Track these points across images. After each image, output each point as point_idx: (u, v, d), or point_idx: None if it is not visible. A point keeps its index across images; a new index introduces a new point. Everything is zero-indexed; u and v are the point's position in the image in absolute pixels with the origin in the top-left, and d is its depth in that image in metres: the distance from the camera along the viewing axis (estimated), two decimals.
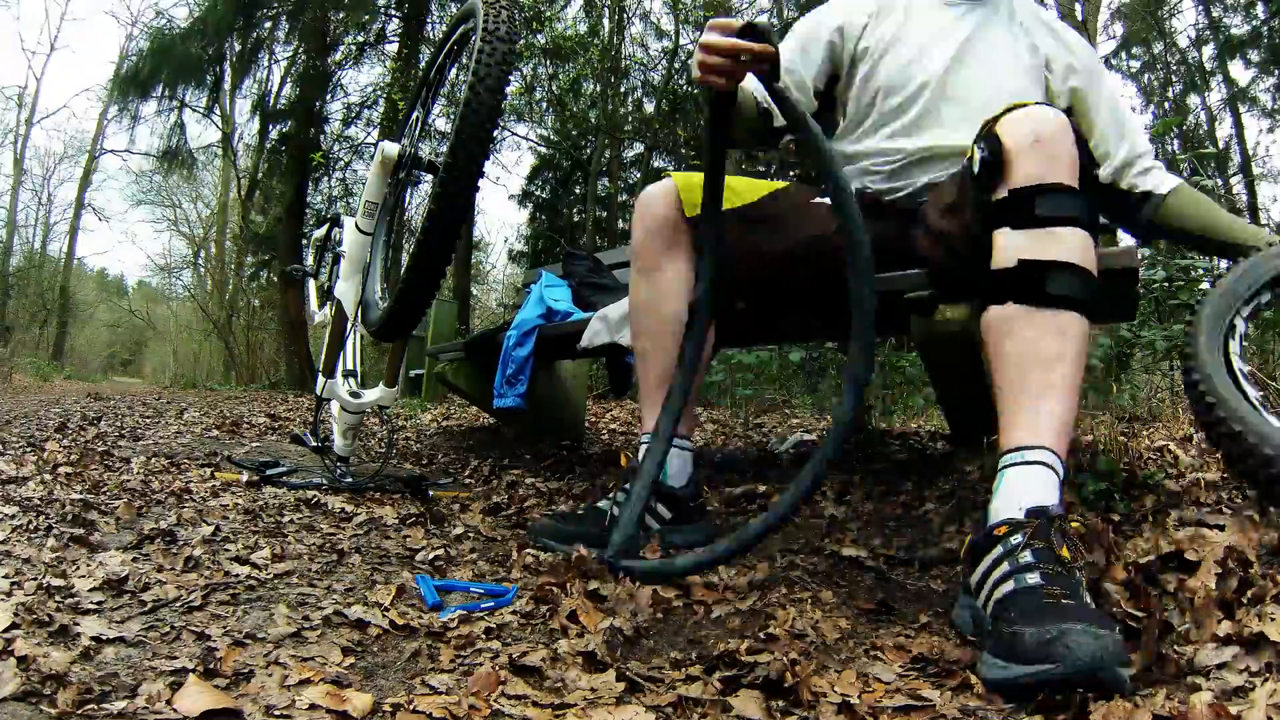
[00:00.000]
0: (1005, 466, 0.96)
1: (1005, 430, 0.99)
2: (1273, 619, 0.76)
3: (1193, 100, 12.61)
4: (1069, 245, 1.00)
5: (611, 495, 1.33)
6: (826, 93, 1.49)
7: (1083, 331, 1.00)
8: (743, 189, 1.42)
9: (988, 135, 1.06)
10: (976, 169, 1.06)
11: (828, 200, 1.49)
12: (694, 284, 1.35)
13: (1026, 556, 0.84)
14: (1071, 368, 0.99)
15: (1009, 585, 0.83)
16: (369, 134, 10.19)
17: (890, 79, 1.39)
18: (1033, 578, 0.82)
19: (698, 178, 1.33)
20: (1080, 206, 1.02)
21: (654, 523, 1.31)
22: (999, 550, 0.87)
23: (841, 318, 1.60)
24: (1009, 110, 1.07)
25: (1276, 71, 12.02)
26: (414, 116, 1.77)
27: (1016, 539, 0.86)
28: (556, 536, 1.26)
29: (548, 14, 8.55)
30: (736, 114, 1.32)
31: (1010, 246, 1.02)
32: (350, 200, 10.08)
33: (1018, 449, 0.96)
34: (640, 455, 1.37)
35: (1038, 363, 0.98)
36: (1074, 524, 0.89)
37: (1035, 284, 1.00)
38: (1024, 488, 0.92)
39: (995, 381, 1.03)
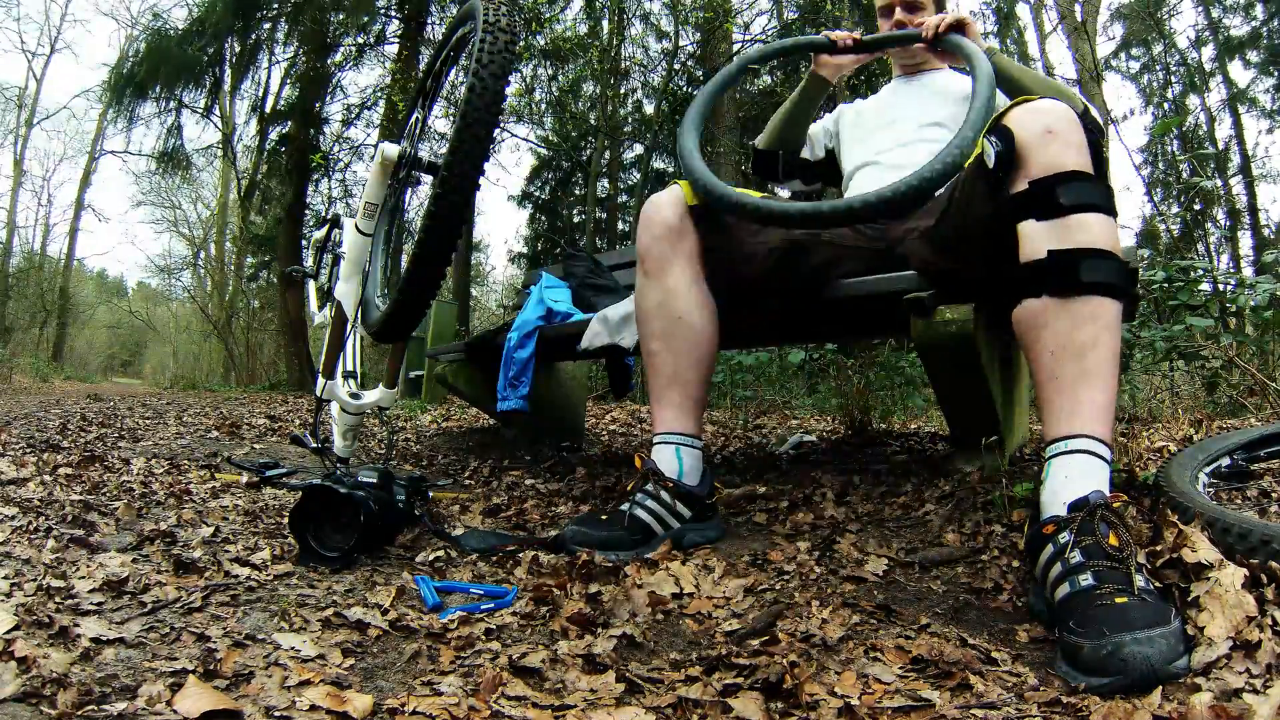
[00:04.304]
0: (1050, 457, 0.97)
1: (1048, 421, 1.00)
2: (1273, 620, 0.76)
3: (1192, 101, 12.64)
4: (1096, 232, 1.00)
5: (633, 497, 1.33)
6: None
7: (1116, 315, 1.01)
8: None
9: (997, 129, 1.06)
10: (991, 163, 1.05)
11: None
12: (703, 287, 1.41)
13: (1076, 557, 0.86)
14: (1108, 351, 0.99)
15: (1065, 588, 0.85)
16: (369, 135, 10.21)
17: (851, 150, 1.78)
18: (1085, 579, 0.83)
19: None
20: (1101, 192, 1.02)
21: (675, 521, 1.32)
22: (1051, 549, 0.89)
23: (821, 320, 1.63)
24: (1014, 106, 1.07)
25: (1276, 72, 12.04)
26: (414, 118, 1.78)
27: (1064, 537, 0.88)
28: (588, 542, 1.25)
29: (547, 15, 8.56)
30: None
31: (1038, 238, 1.02)
32: (350, 201, 10.09)
33: (1061, 439, 0.97)
34: (652, 454, 1.37)
35: (1075, 351, 0.99)
36: (1117, 503, 0.90)
37: (1068, 274, 1.00)
38: (1068, 480, 0.94)
39: (1034, 373, 1.04)
